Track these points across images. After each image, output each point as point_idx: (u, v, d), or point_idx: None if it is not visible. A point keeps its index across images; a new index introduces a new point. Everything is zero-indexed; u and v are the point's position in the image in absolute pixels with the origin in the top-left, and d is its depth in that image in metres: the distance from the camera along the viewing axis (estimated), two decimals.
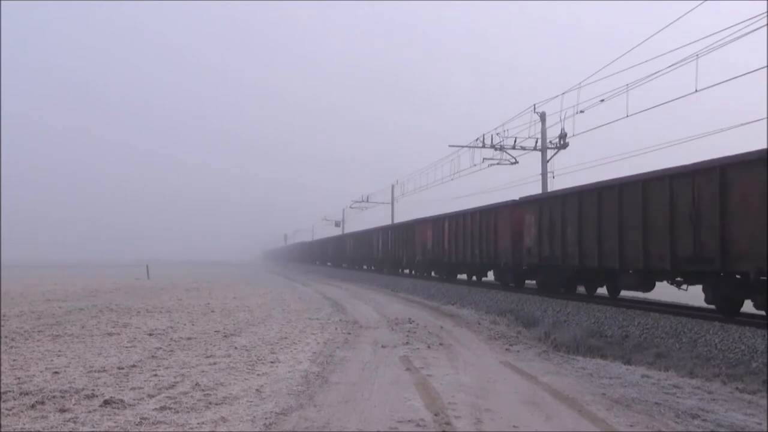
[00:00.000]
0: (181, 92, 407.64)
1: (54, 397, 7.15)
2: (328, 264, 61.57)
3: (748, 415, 6.74)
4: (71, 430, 5.98)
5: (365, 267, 44.82)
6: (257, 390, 7.62)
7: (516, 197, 20.25)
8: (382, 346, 11.37)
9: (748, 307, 11.66)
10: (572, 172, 23.52)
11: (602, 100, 19.84)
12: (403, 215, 43.69)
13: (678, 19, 16.01)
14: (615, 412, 6.79)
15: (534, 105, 24.08)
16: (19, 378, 8.24)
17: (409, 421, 6.27)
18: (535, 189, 24.93)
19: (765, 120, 14.59)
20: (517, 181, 30.28)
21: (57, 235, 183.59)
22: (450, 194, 36.63)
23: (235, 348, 10.91)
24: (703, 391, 7.93)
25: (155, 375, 8.53)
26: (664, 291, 14.92)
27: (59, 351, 10.58)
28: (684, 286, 13.05)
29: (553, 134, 24.28)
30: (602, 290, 16.69)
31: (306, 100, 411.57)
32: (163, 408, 6.69)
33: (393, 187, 48.68)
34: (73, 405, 6.83)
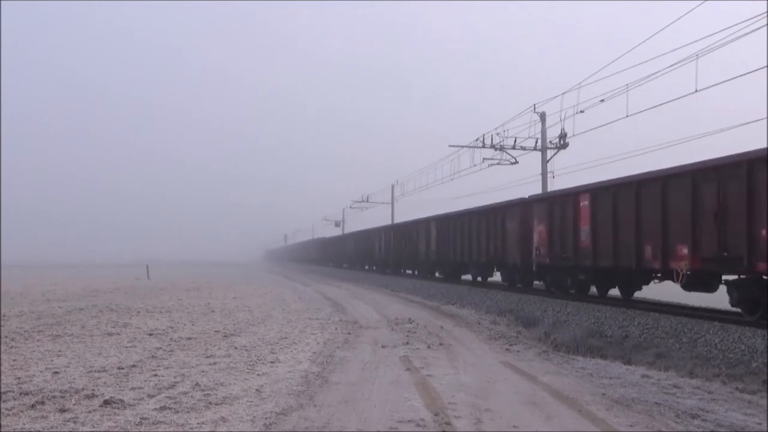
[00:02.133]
0: (181, 92, 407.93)
1: (54, 397, 7.15)
2: (368, 268, 44.01)
3: (748, 415, 6.75)
4: (71, 430, 5.98)
5: (475, 279, 24.73)
6: (257, 390, 7.62)
7: (516, 197, 20.43)
8: (382, 346, 11.37)
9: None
10: (572, 172, 23.60)
11: (602, 100, 19.84)
12: (403, 215, 43.64)
13: (678, 19, 16.02)
14: (615, 412, 6.79)
15: (534, 105, 24.08)
16: (19, 378, 8.24)
17: (409, 421, 6.27)
18: (536, 189, 24.94)
19: (765, 120, 14.62)
20: (517, 181, 30.30)
21: (57, 235, 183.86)
22: (450, 194, 36.71)
23: (235, 348, 10.91)
24: (703, 391, 7.92)
25: (155, 375, 8.53)
26: (665, 292, 14.95)
27: (59, 351, 10.58)
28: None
29: (553, 134, 24.28)
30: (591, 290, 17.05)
31: (306, 100, 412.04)
32: (163, 408, 6.69)
33: (393, 187, 48.70)
34: (73, 405, 6.83)
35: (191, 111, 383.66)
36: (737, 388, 8.06)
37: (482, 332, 13.72)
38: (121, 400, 6.95)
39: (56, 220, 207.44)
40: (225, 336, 12.53)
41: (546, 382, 8.34)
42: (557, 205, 16.70)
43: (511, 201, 20.32)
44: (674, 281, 12.35)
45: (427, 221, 29.13)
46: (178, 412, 6.58)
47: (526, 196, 19.51)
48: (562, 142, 23.81)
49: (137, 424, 6.11)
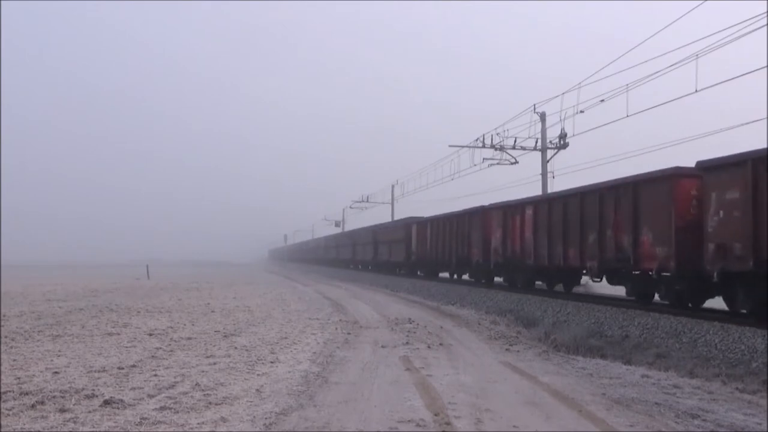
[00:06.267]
0: (182, 92, 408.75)
1: (54, 397, 7.15)
2: (402, 272, 34.46)
3: (748, 415, 6.74)
4: (71, 430, 5.97)
5: None
6: (257, 390, 7.61)
7: (516, 197, 20.52)
8: (382, 346, 11.37)
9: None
10: (572, 172, 23.57)
11: (602, 100, 19.84)
12: (403, 215, 43.61)
13: (678, 19, 16.02)
14: (615, 412, 6.79)
15: (534, 105, 24.09)
16: (19, 378, 8.24)
17: (409, 421, 6.27)
18: (536, 189, 24.96)
19: (765, 120, 14.59)
20: (517, 181, 30.30)
21: (57, 235, 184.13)
22: (450, 194, 36.68)
23: (235, 348, 10.91)
24: (703, 391, 7.92)
25: (155, 375, 8.53)
26: None
27: (59, 351, 10.57)
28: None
29: (553, 134, 24.29)
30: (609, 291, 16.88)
31: (306, 101, 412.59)
32: (163, 408, 6.69)
33: (393, 187, 48.72)
34: (73, 405, 6.83)
35: (192, 111, 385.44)
36: (737, 388, 8.05)
37: (482, 332, 13.71)
38: (121, 400, 6.94)
39: (56, 220, 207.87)
40: (225, 336, 12.53)
41: (546, 382, 8.34)
42: None
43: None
44: None
45: (522, 205, 18.85)
46: (178, 412, 6.58)
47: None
48: (562, 142, 23.81)
49: (137, 424, 6.11)
